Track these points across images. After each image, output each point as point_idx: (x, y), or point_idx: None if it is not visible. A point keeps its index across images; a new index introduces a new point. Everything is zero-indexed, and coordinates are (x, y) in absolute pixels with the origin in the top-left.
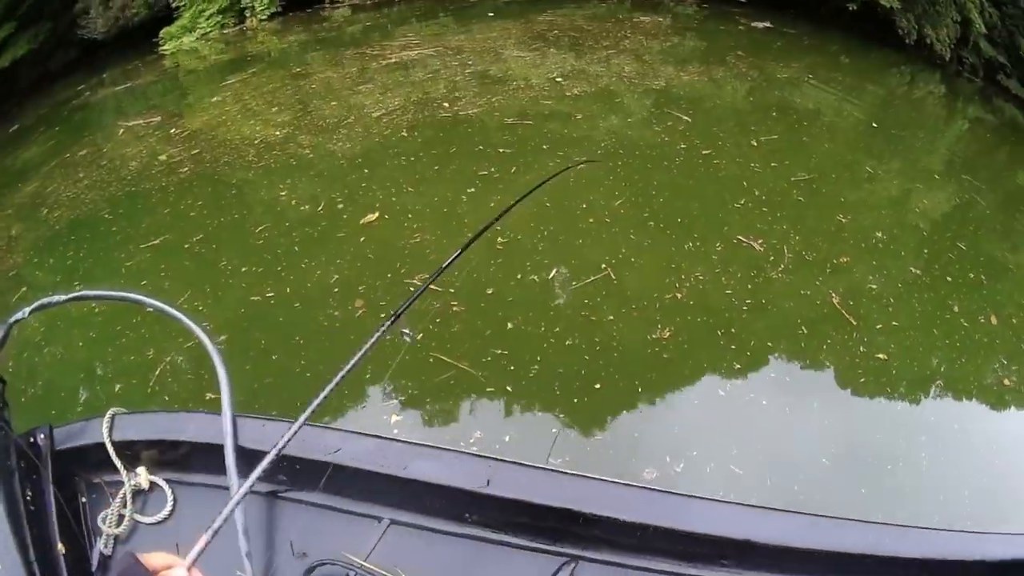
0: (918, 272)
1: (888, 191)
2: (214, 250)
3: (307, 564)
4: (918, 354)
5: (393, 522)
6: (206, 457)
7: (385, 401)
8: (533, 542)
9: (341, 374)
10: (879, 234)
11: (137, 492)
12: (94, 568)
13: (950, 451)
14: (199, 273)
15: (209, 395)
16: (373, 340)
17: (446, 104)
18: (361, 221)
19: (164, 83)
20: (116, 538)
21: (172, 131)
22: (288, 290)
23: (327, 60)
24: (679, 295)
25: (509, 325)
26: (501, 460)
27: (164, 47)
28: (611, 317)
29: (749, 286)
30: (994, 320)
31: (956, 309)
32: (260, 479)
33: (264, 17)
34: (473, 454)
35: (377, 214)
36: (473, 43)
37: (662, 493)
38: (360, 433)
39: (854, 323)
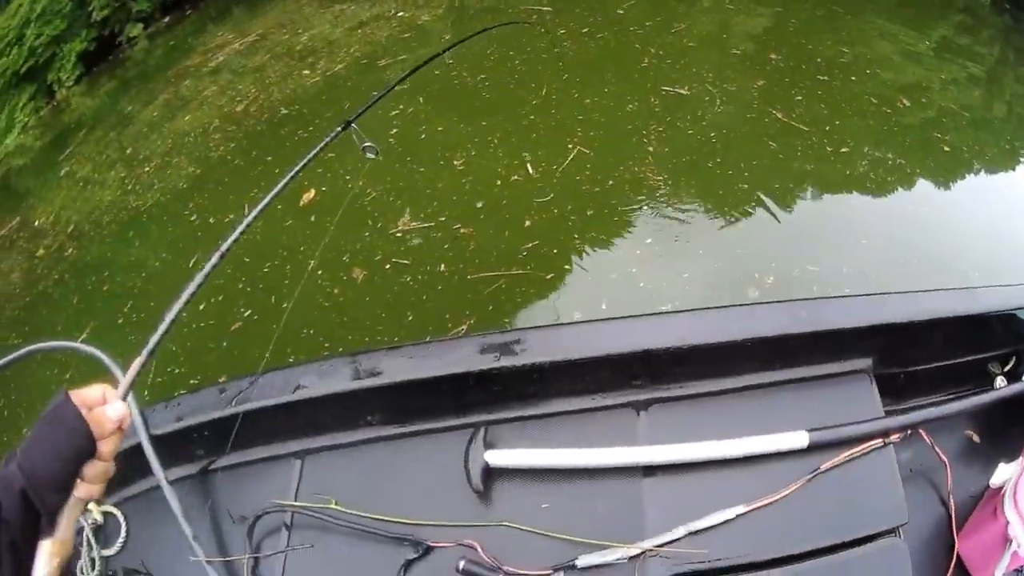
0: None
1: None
2: None
3: (247, 525)
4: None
5: (307, 453)
6: (131, 462)
7: None
8: (439, 421)
9: (289, 176)
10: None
11: (96, 529)
12: None
13: None
14: None
15: None
16: (322, 145)
17: (261, 97)
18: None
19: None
20: None
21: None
22: None
23: (140, 99)
24: (650, 148)
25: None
26: (376, 349)
27: None
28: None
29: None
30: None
31: None
32: (183, 461)
33: (71, 84)
34: (348, 354)
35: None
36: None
37: (553, 328)
38: (249, 376)
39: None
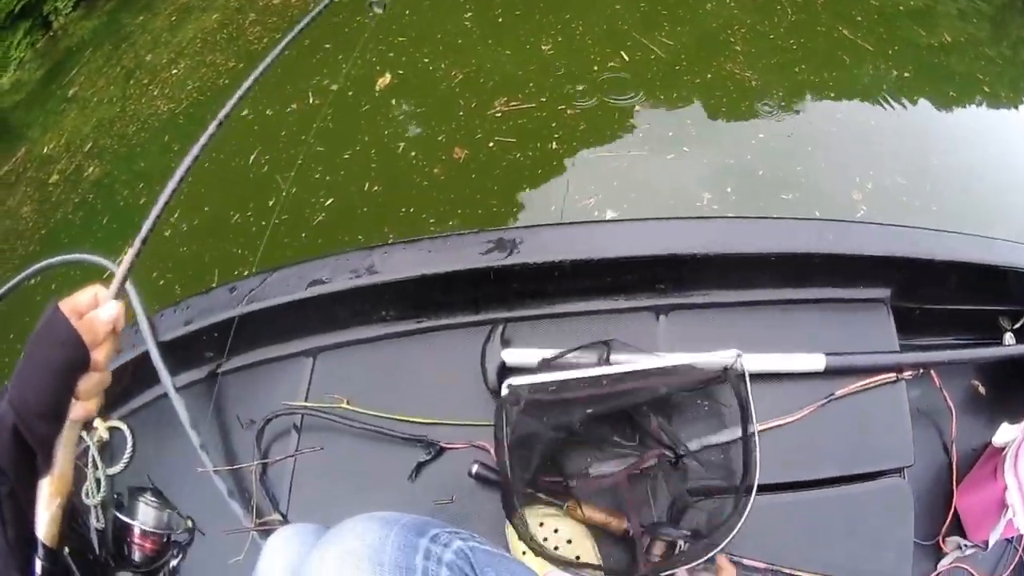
0: None
1: None
2: None
3: (256, 429)
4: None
5: (319, 351)
6: (137, 372)
7: None
8: (455, 317)
9: (280, 46)
10: None
11: (102, 447)
12: (97, 551)
13: None
14: None
15: None
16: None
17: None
18: None
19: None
20: (103, 505)
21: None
22: None
23: (150, 9)
24: (737, 48)
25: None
26: (393, 243)
27: None
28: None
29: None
30: None
31: None
32: (191, 367)
33: (68, 11)
34: (363, 248)
35: None
36: None
37: (577, 225)
38: (258, 273)
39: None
